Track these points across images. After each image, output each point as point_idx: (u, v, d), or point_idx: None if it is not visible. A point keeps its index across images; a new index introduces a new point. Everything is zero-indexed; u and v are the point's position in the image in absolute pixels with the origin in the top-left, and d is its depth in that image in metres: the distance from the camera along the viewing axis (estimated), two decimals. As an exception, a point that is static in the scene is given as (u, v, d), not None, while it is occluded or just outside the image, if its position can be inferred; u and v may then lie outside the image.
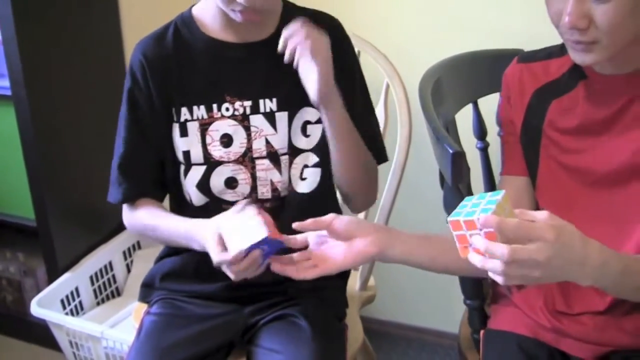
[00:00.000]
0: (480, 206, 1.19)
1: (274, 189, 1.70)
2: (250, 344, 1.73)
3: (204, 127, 1.67)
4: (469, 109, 1.92)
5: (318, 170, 1.72)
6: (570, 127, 1.52)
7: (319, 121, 1.69)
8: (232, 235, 1.46)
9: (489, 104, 1.71)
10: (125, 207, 1.76)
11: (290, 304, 1.73)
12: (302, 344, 1.63)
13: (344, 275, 1.89)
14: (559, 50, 1.56)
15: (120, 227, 2.73)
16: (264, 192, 1.70)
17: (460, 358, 1.83)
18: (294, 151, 1.70)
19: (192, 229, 1.60)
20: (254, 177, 1.69)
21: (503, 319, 1.66)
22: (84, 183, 2.60)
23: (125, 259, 2.75)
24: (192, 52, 1.68)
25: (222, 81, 1.67)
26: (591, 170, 1.51)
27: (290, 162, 1.70)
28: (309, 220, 1.47)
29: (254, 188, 1.70)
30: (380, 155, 1.79)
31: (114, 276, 2.71)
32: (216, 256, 1.46)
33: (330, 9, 1.75)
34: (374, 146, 1.76)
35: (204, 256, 1.53)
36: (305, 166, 1.71)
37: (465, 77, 1.89)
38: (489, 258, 1.17)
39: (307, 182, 1.72)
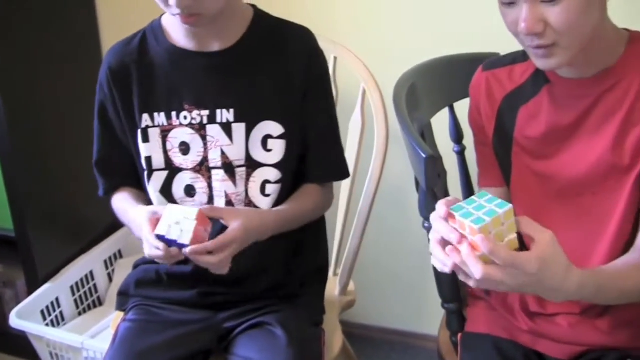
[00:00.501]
0: (482, 211, 1.20)
1: (228, 201, 1.70)
2: (227, 352, 1.72)
3: (165, 134, 1.68)
4: (445, 113, 1.92)
5: (279, 187, 1.72)
6: (537, 132, 1.52)
7: (282, 136, 1.68)
8: (166, 221, 1.50)
9: (466, 108, 1.71)
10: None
11: (266, 312, 1.73)
12: (278, 351, 1.63)
13: (322, 281, 1.90)
14: (522, 56, 1.56)
15: (101, 237, 2.72)
16: (220, 203, 1.70)
17: (440, 361, 1.83)
18: (251, 164, 1.69)
19: (134, 211, 1.65)
20: (210, 187, 1.70)
21: (480, 321, 1.67)
22: (64, 192, 2.59)
23: (107, 268, 2.73)
24: (155, 60, 1.69)
25: (182, 89, 1.67)
26: (560, 175, 1.51)
27: (248, 175, 1.69)
28: None
29: (210, 198, 1.70)
30: (342, 174, 1.83)
31: (95, 286, 2.69)
32: (145, 237, 1.53)
33: (306, 14, 1.75)
34: (335, 166, 1.80)
35: (178, 263, 1.58)
36: (268, 182, 1.70)
37: (440, 81, 1.89)
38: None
39: (271, 199, 1.71)
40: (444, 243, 1.23)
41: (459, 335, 1.69)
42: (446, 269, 1.23)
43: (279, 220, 1.68)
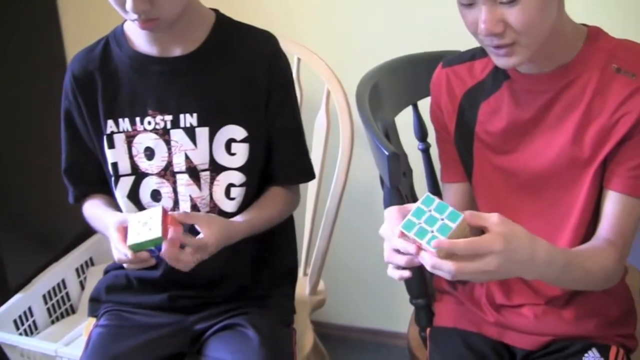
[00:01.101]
0: (435, 227, 1.19)
1: (194, 205, 1.71)
2: (199, 354, 1.73)
3: (130, 139, 1.69)
4: (409, 111, 1.94)
5: (244, 190, 1.72)
6: (498, 128, 1.54)
7: (245, 140, 1.69)
8: (134, 228, 1.51)
9: (429, 105, 1.73)
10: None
11: (237, 313, 1.73)
12: (250, 352, 1.63)
13: (291, 282, 1.91)
14: (482, 51, 1.57)
15: (72, 245, 2.71)
16: (185, 207, 1.71)
17: (410, 357, 1.84)
18: (215, 168, 1.69)
19: (105, 217, 1.67)
20: (175, 192, 1.70)
21: (448, 316, 1.68)
22: (33, 201, 2.58)
23: (79, 276, 2.72)
24: (118, 66, 1.70)
25: (145, 95, 1.68)
26: (521, 170, 1.53)
27: (212, 179, 1.70)
28: None
29: (176, 202, 1.71)
30: (307, 176, 1.84)
31: (67, 294, 2.68)
32: (114, 245, 1.54)
33: (268, 17, 1.76)
34: (301, 168, 1.81)
35: (148, 268, 1.60)
36: (232, 185, 1.71)
37: (403, 80, 1.90)
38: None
39: (236, 202, 1.72)
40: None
41: (428, 330, 1.70)
42: (406, 273, 1.24)
43: (248, 229, 1.69)
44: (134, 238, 1.50)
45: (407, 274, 1.24)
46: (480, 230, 1.22)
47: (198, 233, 1.57)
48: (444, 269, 1.18)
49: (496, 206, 1.52)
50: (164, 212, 1.52)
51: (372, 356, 2.78)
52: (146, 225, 1.50)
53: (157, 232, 1.48)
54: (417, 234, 1.19)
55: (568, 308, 1.56)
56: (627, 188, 1.44)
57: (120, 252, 1.52)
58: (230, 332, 1.71)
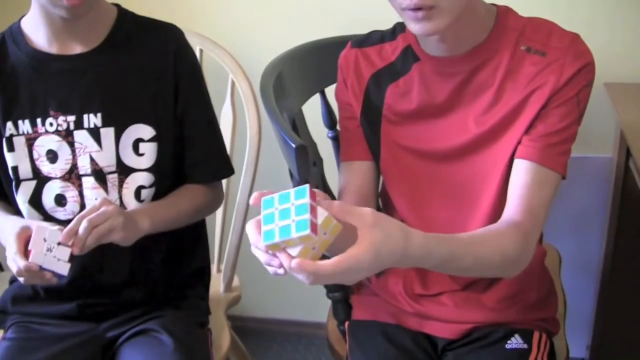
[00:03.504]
0: (291, 217, 1.06)
1: None
2: None
3: (30, 142, 1.62)
4: (317, 99, 1.90)
5: (152, 191, 1.67)
6: (408, 110, 1.51)
7: (153, 139, 1.64)
8: (37, 245, 1.44)
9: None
10: None
11: (150, 318, 1.69)
12: (164, 358, 1.59)
13: (204, 281, 1.87)
14: (391, 34, 1.55)
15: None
16: None
17: (330, 350, 1.83)
18: (123, 170, 1.64)
19: (3, 223, 1.59)
20: (81, 195, 1.64)
21: (366, 308, 1.66)
22: None
23: (-17, 283, 2.62)
24: (16, 65, 1.62)
25: (46, 95, 1.61)
26: (433, 150, 1.51)
27: (121, 182, 1.64)
28: None
29: (82, 206, 1.64)
30: (224, 172, 1.80)
31: (-28, 303, 2.58)
32: (12, 256, 1.46)
33: (171, 10, 1.70)
34: (218, 164, 1.76)
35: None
36: (142, 187, 1.66)
37: (308, 67, 1.87)
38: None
39: (145, 204, 1.67)
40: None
41: (346, 323, 1.68)
42: (280, 271, 1.12)
43: (150, 210, 1.63)
44: (39, 259, 1.43)
45: (281, 271, 1.12)
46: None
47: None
48: (301, 276, 1.09)
49: (406, 187, 1.54)
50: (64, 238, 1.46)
51: (294, 347, 2.78)
52: (51, 252, 1.44)
53: (63, 269, 1.44)
54: (281, 235, 1.06)
55: (487, 293, 1.55)
56: (536, 156, 1.41)
57: (17, 264, 1.44)
58: (143, 337, 1.67)
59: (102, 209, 1.48)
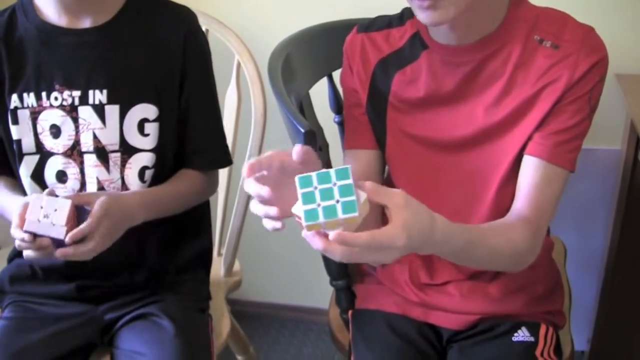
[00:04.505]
0: (334, 197, 1.06)
1: (100, 188, 1.62)
2: (111, 345, 1.66)
3: (35, 116, 1.60)
4: (324, 83, 1.88)
5: (153, 172, 1.65)
6: (415, 98, 1.49)
7: (157, 119, 1.62)
8: (33, 213, 1.43)
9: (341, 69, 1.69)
10: None
11: (150, 302, 1.67)
12: (165, 343, 1.57)
13: (205, 267, 1.86)
14: (399, 19, 1.53)
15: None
16: (91, 190, 1.63)
17: (332, 338, 1.81)
18: (127, 149, 1.62)
19: (7, 200, 1.59)
20: (82, 173, 1.62)
21: (370, 297, 1.64)
22: None
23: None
24: (25, 37, 1.60)
25: (52, 68, 1.59)
26: (440, 138, 1.49)
27: (124, 161, 1.62)
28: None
29: (83, 184, 1.62)
30: (223, 162, 1.79)
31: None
32: (14, 226, 1.44)
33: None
34: (217, 154, 1.75)
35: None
36: (146, 167, 1.64)
37: (317, 50, 1.85)
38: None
39: (146, 186, 1.65)
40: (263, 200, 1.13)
41: (350, 312, 1.66)
42: (278, 224, 1.13)
43: (147, 201, 1.61)
44: (32, 226, 1.42)
45: (279, 225, 1.13)
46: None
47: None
48: (336, 254, 1.07)
49: (411, 175, 1.52)
50: (72, 208, 1.44)
51: (291, 332, 2.77)
52: (47, 219, 1.42)
53: (59, 232, 1.41)
54: (325, 216, 1.05)
55: (494, 284, 1.54)
56: (546, 154, 1.40)
57: (15, 236, 1.43)
58: (143, 322, 1.65)
59: (93, 219, 1.45)
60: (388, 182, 1.61)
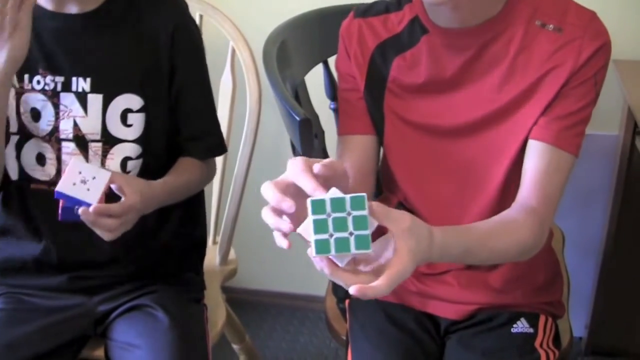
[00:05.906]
0: (348, 228, 1.00)
1: None
2: (105, 337, 1.65)
3: (18, 97, 1.58)
4: (319, 69, 1.86)
5: (140, 162, 1.63)
6: (415, 83, 1.47)
7: (141, 110, 1.60)
8: (70, 177, 1.44)
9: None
10: None
11: (144, 293, 1.66)
12: (160, 335, 1.56)
13: (200, 256, 1.85)
14: (397, 4, 1.50)
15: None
16: None
17: (328, 328, 1.80)
18: (109, 139, 1.60)
19: None
20: (59, 160, 1.60)
21: (367, 286, 1.62)
22: None
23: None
24: None
25: (37, 52, 1.56)
26: (439, 125, 1.47)
27: (105, 151, 1.60)
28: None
29: (58, 171, 1.60)
30: (218, 150, 1.77)
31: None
32: None
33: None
34: (212, 142, 1.74)
35: (44, 249, 1.56)
36: (129, 158, 1.61)
37: (312, 36, 1.83)
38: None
39: (132, 175, 1.62)
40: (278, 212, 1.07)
41: (347, 301, 1.65)
42: (285, 243, 1.06)
43: (166, 191, 1.60)
44: (66, 188, 1.42)
45: (285, 244, 1.05)
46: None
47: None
48: (347, 287, 1.03)
49: (409, 162, 1.51)
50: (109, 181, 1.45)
51: (287, 320, 2.77)
52: (85, 185, 1.42)
53: (93, 198, 1.42)
54: (337, 250, 1.00)
55: (493, 273, 1.52)
56: (552, 138, 1.38)
57: None
58: (137, 313, 1.63)
59: (129, 201, 1.46)
60: (385, 167, 1.59)
